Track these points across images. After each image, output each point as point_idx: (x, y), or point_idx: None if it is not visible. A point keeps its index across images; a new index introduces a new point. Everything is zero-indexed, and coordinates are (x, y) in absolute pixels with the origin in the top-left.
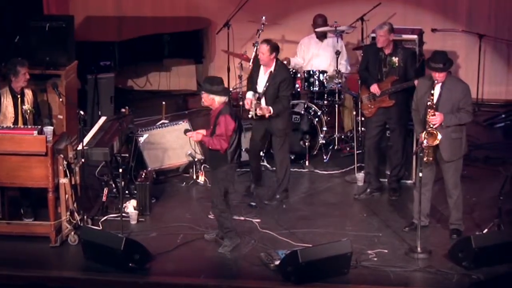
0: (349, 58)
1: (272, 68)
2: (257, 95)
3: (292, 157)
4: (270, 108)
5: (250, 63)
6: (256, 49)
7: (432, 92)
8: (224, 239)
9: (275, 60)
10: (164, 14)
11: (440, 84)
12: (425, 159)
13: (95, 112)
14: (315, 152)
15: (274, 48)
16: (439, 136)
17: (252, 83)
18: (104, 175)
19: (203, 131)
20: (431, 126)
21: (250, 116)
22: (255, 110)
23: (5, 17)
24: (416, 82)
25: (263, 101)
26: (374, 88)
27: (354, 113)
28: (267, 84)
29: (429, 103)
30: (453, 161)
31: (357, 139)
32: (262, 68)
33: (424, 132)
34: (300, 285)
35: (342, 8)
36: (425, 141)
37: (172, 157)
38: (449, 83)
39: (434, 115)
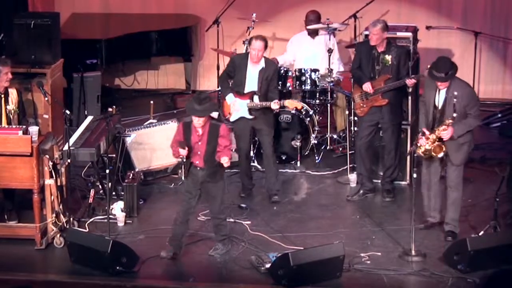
0: (341, 57)
1: (263, 64)
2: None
3: (283, 158)
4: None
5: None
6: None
7: (438, 102)
8: (218, 243)
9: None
10: (151, 11)
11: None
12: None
13: (82, 112)
14: (306, 153)
15: (267, 44)
16: (444, 149)
17: (234, 85)
18: (91, 176)
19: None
20: (441, 139)
21: (233, 119)
22: (281, 105)
23: None
24: (408, 81)
25: (256, 98)
26: (367, 86)
27: (347, 112)
28: (260, 81)
29: (438, 115)
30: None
31: (350, 139)
32: (249, 66)
33: (431, 142)
34: None
35: (334, 5)
36: (427, 146)
37: (160, 158)
38: (454, 88)
39: (446, 130)
